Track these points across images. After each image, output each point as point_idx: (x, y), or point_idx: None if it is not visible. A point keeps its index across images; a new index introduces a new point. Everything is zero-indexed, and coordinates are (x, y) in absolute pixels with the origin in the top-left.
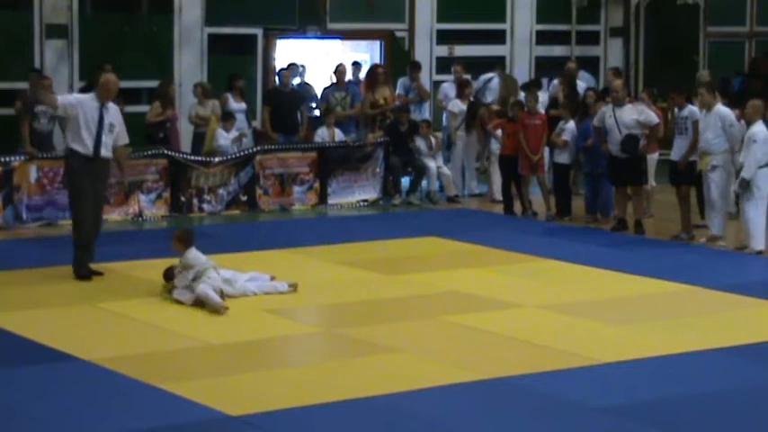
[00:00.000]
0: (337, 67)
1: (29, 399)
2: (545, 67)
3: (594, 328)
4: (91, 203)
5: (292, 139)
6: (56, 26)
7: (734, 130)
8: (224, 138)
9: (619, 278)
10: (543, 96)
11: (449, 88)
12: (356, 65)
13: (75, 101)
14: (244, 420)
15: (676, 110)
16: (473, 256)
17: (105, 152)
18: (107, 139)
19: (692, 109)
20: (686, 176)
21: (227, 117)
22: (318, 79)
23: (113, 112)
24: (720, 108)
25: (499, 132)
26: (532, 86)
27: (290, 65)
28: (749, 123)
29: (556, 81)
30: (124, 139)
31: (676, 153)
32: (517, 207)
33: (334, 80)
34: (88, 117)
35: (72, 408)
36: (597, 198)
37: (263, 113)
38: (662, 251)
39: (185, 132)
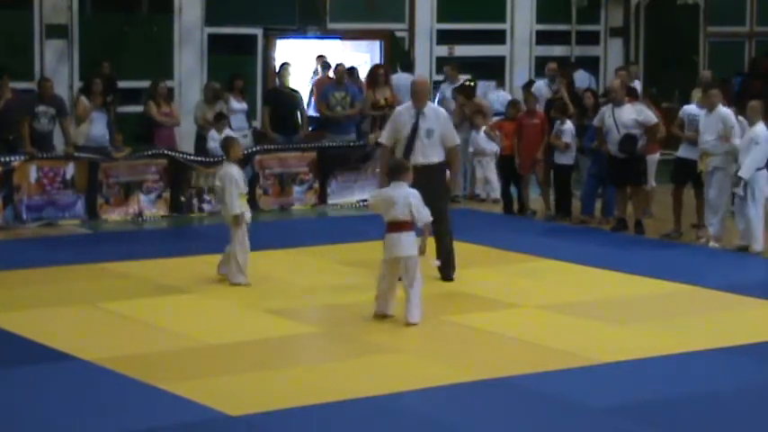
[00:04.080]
0: (337, 67)
1: (29, 399)
2: (545, 67)
3: (594, 328)
4: None
5: (292, 139)
6: (56, 26)
7: (735, 131)
8: (214, 140)
9: (618, 278)
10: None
11: (447, 89)
12: (351, 70)
13: (395, 124)
14: (244, 420)
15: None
16: (473, 255)
17: (422, 159)
18: (421, 146)
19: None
20: (686, 176)
21: (218, 118)
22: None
23: (432, 117)
24: (722, 109)
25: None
26: (530, 87)
27: (283, 64)
28: (750, 124)
29: (542, 82)
30: (452, 140)
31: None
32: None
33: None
34: (403, 128)
35: (72, 408)
36: (599, 198)
37: (263, 113)
38: (662, 251)
39: (188, 133)
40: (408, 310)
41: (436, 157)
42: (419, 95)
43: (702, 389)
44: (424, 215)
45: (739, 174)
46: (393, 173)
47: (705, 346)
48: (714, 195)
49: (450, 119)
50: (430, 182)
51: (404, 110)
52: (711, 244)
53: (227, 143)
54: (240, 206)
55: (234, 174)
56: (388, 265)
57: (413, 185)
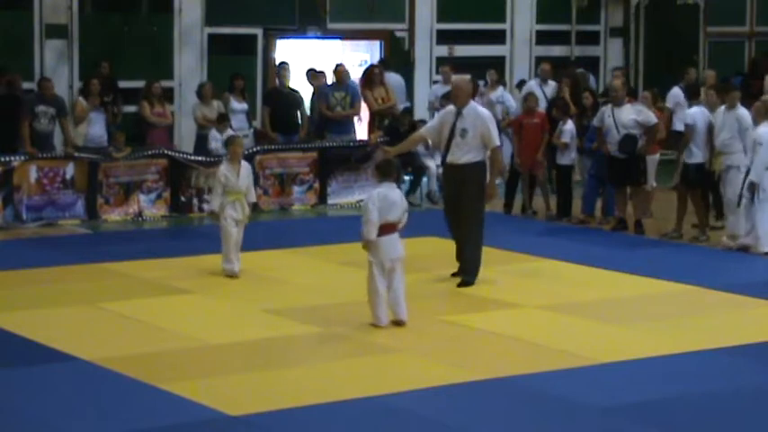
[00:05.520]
0: (337, 67)
1: (29, 399)
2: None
3: (594, 328)
4: (450, 209)
5: (292, 139)
6: (56, 26)
7: (750, 132)
8: (216, 140)
9: (619, 278)
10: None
11: (439, 89)
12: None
13: (440, 121)
14: (244, 420)
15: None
16: None
17: (452, 158)
18: (456, 146)
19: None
20: (699, 180)
21: (221, 119)
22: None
23: (470, 117)
24: (741, 109)
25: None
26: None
27: (282, 64)
28: (754, 125)
29: (533, 82)
30: (490, 141)
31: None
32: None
33: (334, 79)
34: (445, 126)
35: (72, 408)
36: (599, 198)
37: (263, 113)
38: (662, 251)
39: (188, 133)
40: (400, 308)
41: (466, 157)
42: (455, 95)
43: (702, 389)
44: (405, 218)
45: (750, 179)
46: (381, 173)
47: (705, 346)
48: (731, 194)
49: (492, 120)
50: (457, 182)
51: (450, 109)
52: (725, 241)
53: (227, 142)
54: (218, 204)
55: (221, 172)
56: (379, 268)
57: (453, 183)
